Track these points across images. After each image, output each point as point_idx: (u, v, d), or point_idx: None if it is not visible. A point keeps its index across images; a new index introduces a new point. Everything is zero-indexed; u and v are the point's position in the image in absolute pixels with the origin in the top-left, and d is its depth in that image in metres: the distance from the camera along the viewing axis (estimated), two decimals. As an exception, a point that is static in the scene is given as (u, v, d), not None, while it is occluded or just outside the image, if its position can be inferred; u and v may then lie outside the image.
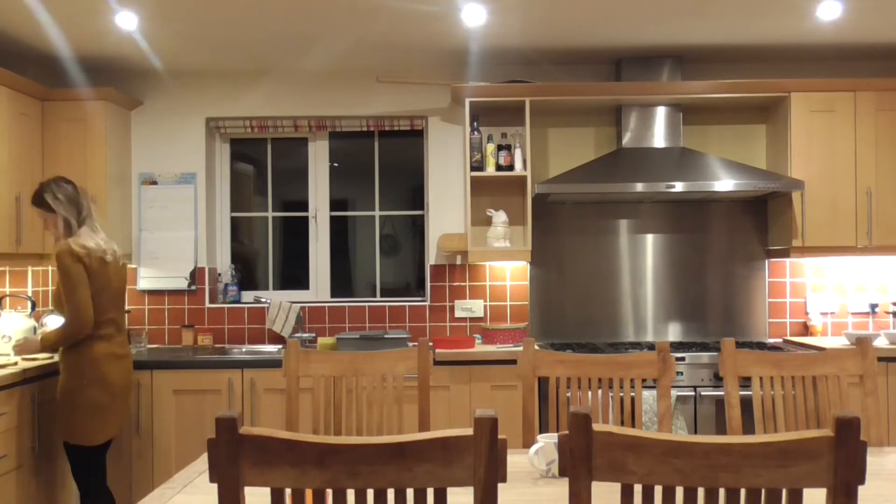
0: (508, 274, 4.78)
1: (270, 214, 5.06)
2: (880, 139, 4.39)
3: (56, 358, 3.96)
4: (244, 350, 4.62)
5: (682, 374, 4.07)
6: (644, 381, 2.79)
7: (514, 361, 3.98)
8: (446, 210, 4.79)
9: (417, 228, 5.06)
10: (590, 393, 2.77)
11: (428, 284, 4.83)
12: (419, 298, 4.92)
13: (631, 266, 4.76)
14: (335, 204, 5.01)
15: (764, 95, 4.45)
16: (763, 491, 1.36)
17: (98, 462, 3.67)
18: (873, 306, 4.73)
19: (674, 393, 4.01)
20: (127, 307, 4.79)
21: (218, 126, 4.90)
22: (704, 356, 4.10)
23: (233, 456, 1.38)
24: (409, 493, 1.41)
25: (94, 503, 3.66)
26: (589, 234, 4.77)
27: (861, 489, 1.34)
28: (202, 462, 2.33)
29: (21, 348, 3.77)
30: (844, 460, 1.32)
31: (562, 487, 2.07)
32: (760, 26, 4.08)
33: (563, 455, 1.38)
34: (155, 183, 4.81)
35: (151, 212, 4.80)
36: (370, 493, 1.40)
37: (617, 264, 4.76)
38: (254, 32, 4.08)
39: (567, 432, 1.36)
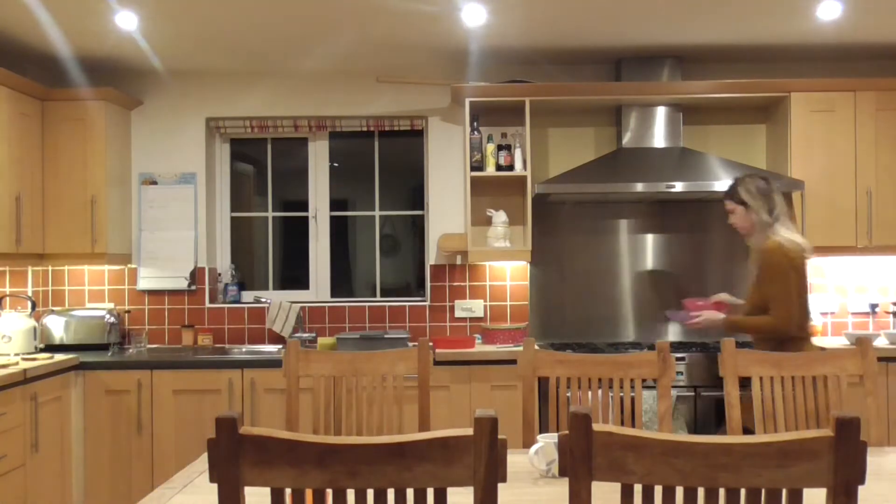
0: (508, 274, 4.78)
1: (270, 214, 5.06)
2: (880, 139, 4.39)
3: (56, 358, 3.96)
4: (244, 350, 4.62)
5: (682, 374, 4.06)
6: (644, 381, 2.78)
7: (514, 361, 3.96)
8: (446, 210, 4.79)
9: (417, 228, 5.06)
10: (590, 393, 2.77)
11: (428, 284, 4.83)
12: (419, 298, 4.92)
13: (631, 266, 4.76)
14: (335, 204, 5.01)
15: (764, 95, 4.45)
16: (763, 491, 1.36)
17: None
18: (873, 306, 4.73)
19: (674, 393, 4.01)
20: (127, 306, 4.79)
21: (218, 126, 4.90)
22: (704, 356, 4.10)
23: (233, 456, 1.38)
24: (410, 493, 1.41)
25: None
26: (589, 234, 4.77)
27: (861, 489, 1.34)
28: (202, 462, 2.33)
29: (700, 322, 3.66)
30: (844, 460, 1.32)
31: (562, 487, 2.06)
32: (760, 26, 4.08)
33: (563, 455, 1.38)
34: (155, 183, 4.81)
35: (151, 212, 4.80)
36: (370, 493, 1.40)
37: (617, 264, 4.76)
38: (254, 32, 4.08)
39: (567, 432, 1.36)
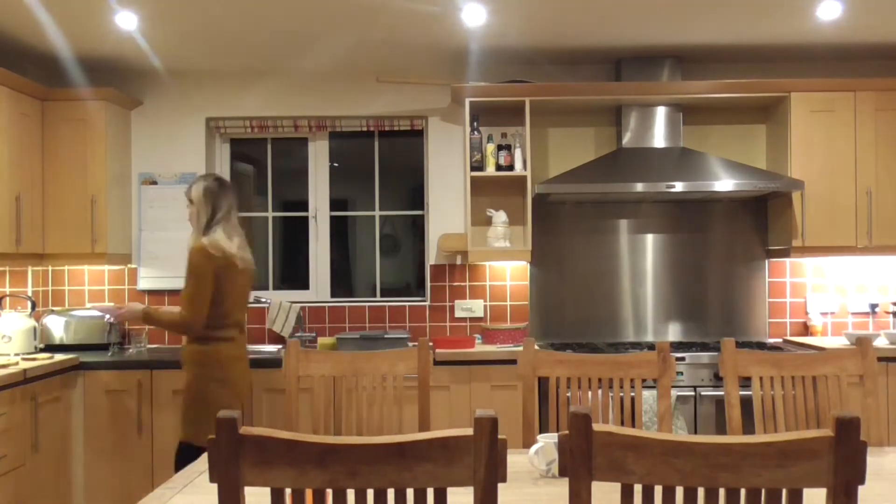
0: (508, 274, 4.78)
1: (270, 214, 5.06)
2: (880, 139, 4.39)
3: (57, 357, 3.96)
4: (244, 350, 4.61)
5: (682, 374, 4.07)
6: (644, 381, 2.79)
7: (514, 361, 3.97)
8: (446, 210, 4.79)
9: (417, 228, 5.06)
10: (590, 393, 2.77)
11: (428, 284, 4.83)
12: (419, 298, 4.92)
13: (631, 266, 4.76)
14: (335, 204, 5.01)
15: (764, 95, 4.45)
16: (763, 491, 1.36)
17: None
18: (873, 306, 4.73)
19: (674, 393, 4.01)
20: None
21: (218, 126, 4.90)
22: (704, 356, 4.10)
23: (233, 456, 1.38)
24: (410, 493, 1.41)
25: None
26: (589, 234, 4.77)
27: (861, 489, 1.34)
28: (202, 462, 2.33)
29: (122, 315, 3.69)
30: (844, 460, 1.32)
31: (562, 487, 2.06)
32: (760, 26, 4.08)
33: (563, 455, 1.38)
34: (155, 183, 4.81)
35: (151, 212, 4.80)
36: (370, 493, 1.40)
37: (617, 264, 4.76)
38: (254, 32, 4.08)
39: (567, 432, 1.36)
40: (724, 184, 4.19)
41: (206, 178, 3.63)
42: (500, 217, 4.56)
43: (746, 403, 2.90)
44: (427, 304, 4.80)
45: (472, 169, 4.46)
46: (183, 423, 3.49)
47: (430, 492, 1.41)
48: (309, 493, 1.43)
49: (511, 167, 4.50)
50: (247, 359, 3.66)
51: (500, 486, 1.39)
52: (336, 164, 5.02)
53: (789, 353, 2.80)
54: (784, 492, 1.37)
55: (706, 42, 4.34)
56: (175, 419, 4.12)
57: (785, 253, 4.48)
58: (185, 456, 3.43)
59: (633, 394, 2.83)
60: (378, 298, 4.98)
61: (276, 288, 5.03)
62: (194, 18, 3.85)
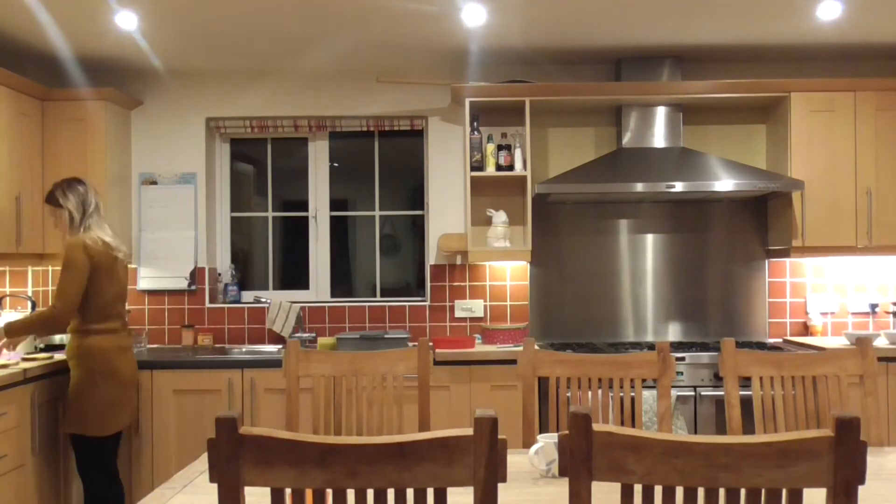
0: (508, 274, 4.78)
1: (270, 214, 5.06)
2: (880, 139, 4.39)
3: (57, 357, 3.96)
4: (244, 350, 4.62)
5: (682, 374, 4.07)
6: (644, 381, 2.79)
7: (514, 361, 3.98)
8: (446, 210, 4.79)
9: (417, 228, 5.06)
10: (590, 393, 2.77)
11: (428, 284, 4.83)
12: (419, 298, 4.92)
13: (631, 266, 4.76)
14: (335, 204, 5.01)
15: (764, 95, 4.45)
16: (763, 491, 1.36)
17: (106, 454, 3.69)
18: (873, 306, 4.73)
19: (674, 393, 4.01)
20: (127, 306, 4.79)
21: (218, 126, 4.90)
22: (704, 356, 4.10)
23: (233, 456, 1.38)
24: (410, 493, 1.41)
25: (97, 496, 3.68)
26: (589, 234, 4.77)
27: (861, 489, 1.34)
28: (202, 462, 2.33)
29: None
30: (844, 460, 1.32)
31: (562, 487, 2.07)
32: (760, 26, 4.08)
33: (563, 455, 1.38)
34: (155, 183, 4.81)
35: (151, 212, 4.80)
36: (370, 493, 1.40)
37: (617, 264, 4.76)
38: (254, 32, 4.08)
39: (567, 432, 1.36)
40: (724, 184, 4.19)
41: (68, 182, 3.70)
42: (500, 217, 4.56)
43: (746, 403, 2.90)
44: (427, 304, 4.80)
45: (472, 169, 4.46)
46: (71, 417, 3.64)
47: (430, 492, 1.41)
48: (309, 493, 1.43)
49: (511, 167, 4.50)
50: (132, 350, 3.79)
51: (500, 486, 1.39)
52: (336, 164, 5.02)
53: (789, 353, 2.80)
54: (784, 492, 1.37)
55: (706, 42, 4.34)
56: (170, 418, 4.13)
57: (785, 253, 4.48)
58: (80, 447, 3.65)
59: (633, 394, 2.84)
60: (378, 298, 4.98)
61: (276, 288, 5.04)
62: (194, 18, 3.85)
